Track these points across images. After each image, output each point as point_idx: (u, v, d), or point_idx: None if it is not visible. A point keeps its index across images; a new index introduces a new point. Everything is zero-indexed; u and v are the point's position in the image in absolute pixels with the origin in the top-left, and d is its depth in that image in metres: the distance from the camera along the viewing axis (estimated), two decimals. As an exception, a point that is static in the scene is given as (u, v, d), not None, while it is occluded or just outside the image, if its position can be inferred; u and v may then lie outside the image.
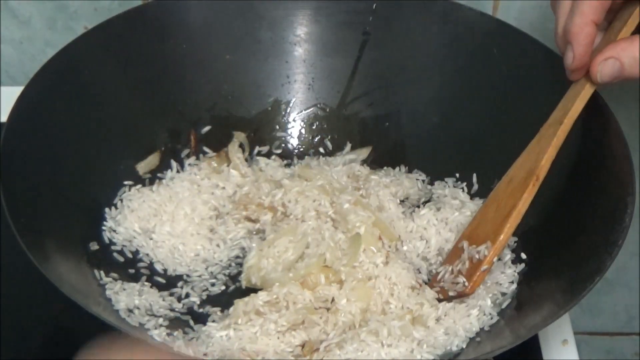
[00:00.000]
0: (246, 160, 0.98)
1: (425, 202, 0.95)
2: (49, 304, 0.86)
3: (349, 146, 1.00)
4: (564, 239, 0.83)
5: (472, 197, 0.95)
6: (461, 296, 0.84)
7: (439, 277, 0.87)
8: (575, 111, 0.84)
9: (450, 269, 0.86)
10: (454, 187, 0.96)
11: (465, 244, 0.86)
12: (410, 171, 0.98)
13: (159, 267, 0.88)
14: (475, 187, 0.95)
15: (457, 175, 0.96)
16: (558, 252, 0.83)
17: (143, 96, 0.95)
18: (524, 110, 0.92)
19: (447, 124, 0.97)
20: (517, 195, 0.84)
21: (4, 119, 0.82)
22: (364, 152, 1.00)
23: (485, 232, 0.86)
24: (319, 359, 0.78)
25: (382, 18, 0.99)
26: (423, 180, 0.97)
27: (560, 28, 0.83)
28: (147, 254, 0.89)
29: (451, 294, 0.85)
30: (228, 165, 0.97)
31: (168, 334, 0.81)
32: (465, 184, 0.96)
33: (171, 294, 0.86)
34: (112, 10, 1.06)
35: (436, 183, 0.97)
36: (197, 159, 0.97)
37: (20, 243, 0.73)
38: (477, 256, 0.85)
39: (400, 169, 0.98)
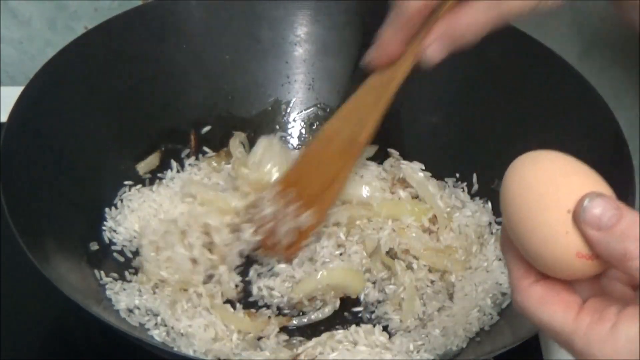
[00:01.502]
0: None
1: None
2: (49, 304, 0.86)
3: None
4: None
5: (472, 197, 0.95)
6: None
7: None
8: (402, 76, 0.83)
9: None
10: (454, 187, 0.96)
11: (292, 193, 0.86)
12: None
13: (158, 267, 0.89)
14: (475, 187, 0.95)
15: (457, 175, 0.96)
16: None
17: (143, 96, 0.95)
18: (524, 110, 0.92)
19: (447, 124, 0.97)
20: (338, 163, 0.85)
21: (4, 119, 0.82)
22: (370, 151, 1.00)
23: (308, 192, 0.86)
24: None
25: (382, 18, 0.99)
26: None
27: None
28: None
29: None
30: (227, 164, 0.97)
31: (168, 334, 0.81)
32: (465, 184, 0.96)
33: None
34: (112, 10, 1.06)
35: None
36: (197, 159, 0.97)
37: (20, 243, 0.73)
38: (299, 222, 0.85)
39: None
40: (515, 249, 0.55)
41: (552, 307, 0.54)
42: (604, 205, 0.52)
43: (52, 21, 1.10)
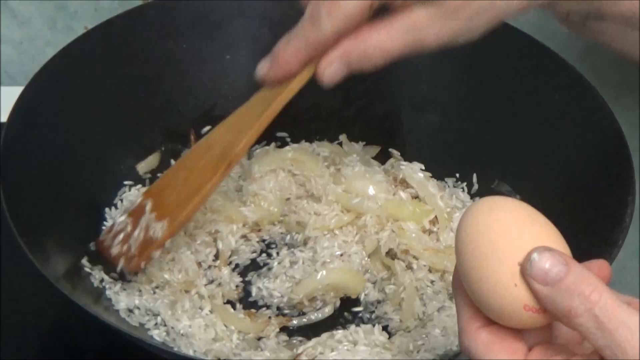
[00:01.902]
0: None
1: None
2: (49, 304, 0.86)
3: (360, 145, 1.00)
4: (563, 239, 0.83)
5: (472, 197, 0.95)
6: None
7: (112, 231, 0.83)
8: (290, 92, 0.77)
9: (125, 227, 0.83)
10: (454, 187, 0.96)
11: (148, 203, 0.83)
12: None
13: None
14: (476, 187, 0.95)
15: (457, 175, 0.96)
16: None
17: (143, 96, 0.95)
18: (524, 111, 0.92)
19: (447, 123, 0.97)
20: (207, 174, 0.81)
21: (4, 119, 0.82)
22: (372, 151, 1.00)
23: (169, 201, 0.82)
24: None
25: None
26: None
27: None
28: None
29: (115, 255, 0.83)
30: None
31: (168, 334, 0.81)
32: (465, 184, 0.96)
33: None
34: (112, 10, 1.06)
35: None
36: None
37: (20, 243, 0.73)
38: (152, 232, 0.82)
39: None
40: (465, 292, 0.55)
41: (497, 354, 0.54)
42: (551, 260, 0.52)
43: (52, 21, 1.10)
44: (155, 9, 0.96)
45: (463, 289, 0.56)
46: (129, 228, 0.83)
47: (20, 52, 1.12)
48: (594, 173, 0.85)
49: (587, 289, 0.51)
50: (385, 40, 0.70)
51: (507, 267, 0.53)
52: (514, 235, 0.53)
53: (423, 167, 0.94)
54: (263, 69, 0.75)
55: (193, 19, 0.97)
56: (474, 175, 0.95)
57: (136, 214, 0.83)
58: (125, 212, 0.84)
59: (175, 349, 0.79)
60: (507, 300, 0.53)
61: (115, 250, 0.83)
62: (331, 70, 0.72)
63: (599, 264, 0.57)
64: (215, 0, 0.97)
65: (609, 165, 0.84)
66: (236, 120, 0.82)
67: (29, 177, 0.82)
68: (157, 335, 0.80)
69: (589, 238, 0.80)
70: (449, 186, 0.96)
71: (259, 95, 0.80)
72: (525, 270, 0.52)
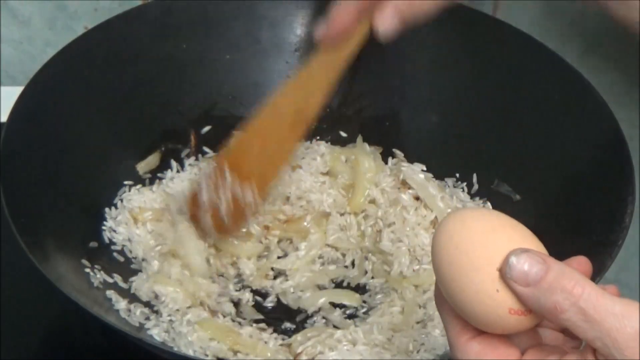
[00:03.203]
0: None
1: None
2: (49, 304, 0.86)
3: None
4: (563, 238, 0.83)
5: (472, 197, 0.95)
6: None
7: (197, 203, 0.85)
8: (352, 50, 0.81)
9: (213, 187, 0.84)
10: (454, 187, 0.96)
11: (226, 171, 0.84)
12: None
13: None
14: (476, 187, 0.95)
15: (457, 175, 0.96)
16: (557, 252, 0.83)
17: (143, 96, 0.94)
18: (524, 110, 0.92)
19: (447, 123, 0.97)
20: (284, 137, 0.83)
21: (4, 119, 0.82)
22: (376, 152, 1.00)
23: (250, 168, 0.84)
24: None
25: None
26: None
27: None
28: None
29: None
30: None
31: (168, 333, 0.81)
32: (465, 184, 0.96)
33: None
34: (112, 10, 1.05)
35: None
36: (197, 159, 0.97)
37: (20, 243, 0.73)
38: (241, 199, 0.83)
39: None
40: (450, 306, 0.55)
41: None
42: (529, 260, 0.52)
43: (52, 21, 1.09)
44: (155, 9, 0.96)
45: (447, 305, 0.56)
46: (212, 196, 0.83)
47: (20, 52, 1.12)
48: (593, 173, 0.85)
49: (569, 283, 0.51)
50: None
51: (486, 274, 0.53)
52: (489, 242, 0.53)
53: (424, 168, 0.94)
54: (321, 30, 0.80)
55: (193, 19, 0.97)
56: (474, 175, 0.95)
57: (216, 181, 0.84)
58: (204, 182, 0.84)
59: (175, 349, 0.79)
60: (491, 307, 0.53)
61: (205, 219, 0.84)
62: (386, 25, 0.77)
63: (579, 260, 0.57)
64: (215, 0, 0.97)
65: (608, 166, 0.84)
66: (301, 84, 0.84)
67: (29, 176, 0.82)
68: (157, 335, 0.80)
69: (588, 238, 0.80)
70: (449, 186, 0.96)
71: (318, 58, 0.82)
72: (505, 274, 0.52)
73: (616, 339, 0.50)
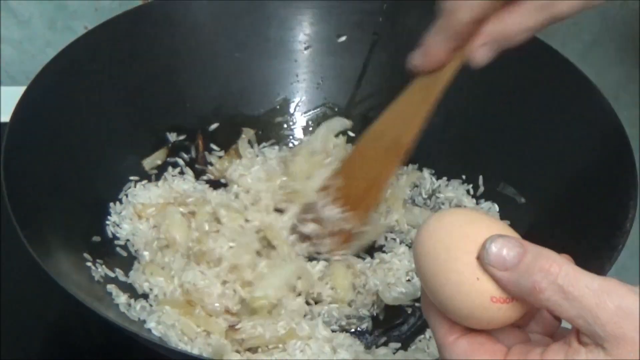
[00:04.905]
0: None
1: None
2: (49, 304, 0.86)
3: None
4: (564, 242, 0.82)
5: (477, 199, 0.94)
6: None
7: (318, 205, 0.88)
8: (448, 79, 0.82)
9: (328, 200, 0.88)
10: (460, 186, 0.96)
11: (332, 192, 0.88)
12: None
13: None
14: (481, 189, 0.95)
15: (463, 177, 0.96)
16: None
17: (149, 94, 0.95)
18: (528, 111, 0.92)
19: (452, 125, 0.97)
20: (380, 164, 0.86)
21: (4, 118, 0.82)
22: None
23: (350, 191, 0.87)
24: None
25: (391, 19, 0.99)
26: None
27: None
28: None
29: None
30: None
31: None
32: (471, 185, 0.95)
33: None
34: (112, 10, 1.05)
35: (442, 184, 0.97)
36: (204, 158, 0.97)
37: (23, 240, 0.73)
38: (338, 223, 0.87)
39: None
40: (437, 309, 0.56)
41: (479, 358, 0.54)
42: (507, 244, 0.52)
43: (52, 21, 1.10)
44: (154, 8, 0.96)
45: (433, 308, 0.56)
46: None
47: (20, 52, 1.12)
48: (597, 177, 0.84)
49: (546, 263, 0.51)
50: (522, 22, 0.75)
51: (465, 263, 0.53)
52: (467, 232, 0.54)
53: (433, 172, 0.94)
54: (417, 60, 0.80)
55: (202, 18, 0.97)
56: (480, 177, 0.94)
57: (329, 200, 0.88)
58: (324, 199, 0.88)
59: (173, 344, 0.79)
60: (473, 296, 0.53)
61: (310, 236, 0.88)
62: (480, 54, 0.77)
63: (562, 256, 0.57)
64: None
65: (610, 164, 0.83)
66: (399, 109, 0.86)
67: (32, 175, 0.82)
68: (155, 329, 0.80)
69: (590, 241, 0.80)
70: (454, 188, 0.95)
71: (417, 83, 0.83)
72: (484, 260, 0.52)
73: (597, 315, 0.50)
